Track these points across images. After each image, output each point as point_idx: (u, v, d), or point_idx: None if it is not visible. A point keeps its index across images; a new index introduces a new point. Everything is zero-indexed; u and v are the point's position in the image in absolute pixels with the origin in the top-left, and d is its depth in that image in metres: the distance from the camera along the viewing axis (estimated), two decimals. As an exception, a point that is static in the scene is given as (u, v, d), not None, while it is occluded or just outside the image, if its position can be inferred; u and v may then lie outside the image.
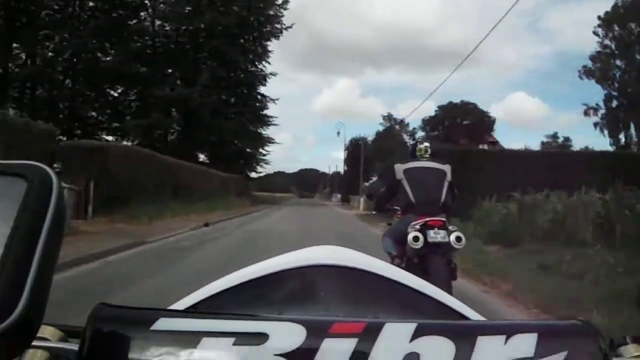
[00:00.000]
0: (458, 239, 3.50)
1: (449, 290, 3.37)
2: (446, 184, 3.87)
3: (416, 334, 0.43)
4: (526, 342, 0.43)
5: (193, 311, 0.60)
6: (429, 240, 3.48)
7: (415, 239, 3.48)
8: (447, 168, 3.97)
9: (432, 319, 0.53)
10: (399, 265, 3.72)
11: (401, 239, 3.72)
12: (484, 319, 0.64)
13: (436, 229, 3.52)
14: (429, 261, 3.49)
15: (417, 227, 3.55)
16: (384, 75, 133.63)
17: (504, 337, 0.44)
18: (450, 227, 3.59)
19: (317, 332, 0.44)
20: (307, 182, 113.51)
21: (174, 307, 0.64)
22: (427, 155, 4.04)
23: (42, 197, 0.39)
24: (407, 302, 0.66)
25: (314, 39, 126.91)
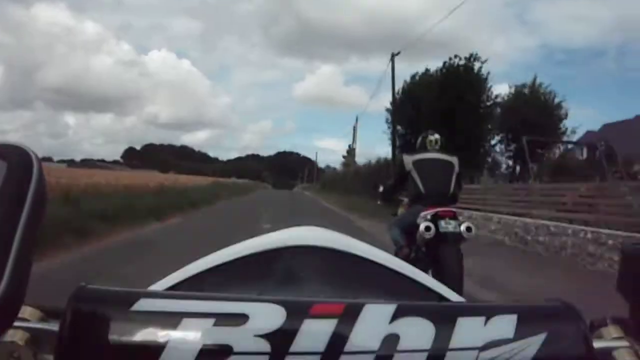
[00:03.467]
0: (468, 229, 3.66)
1: (460, 277, 3.54)
2: (454, 176, 4.01)
3: (396, 315, 0.44)
4: (506, 324, 0.44)
5: (173, 292, 0.60)
6: (441, 230, 3.62)
7: (427, 228, 3.62)
8: (454, 160, 4.11)
9: (412, 300, 0.52)
10: (407, 254, 3.87)
11: (410, 229, 3.86)
12: (464, 300, 0.66)
13: (447, 219, 3.67)
14: (441, 251, 3.63)
15: (429, 217, 3.69)
16: (369, 63, 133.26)
17: (483, 318, 0.44)
18: (460, 218, 3.75)
19: (297, 313, 0.44)
20: (285, 168, 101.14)
21: (154, 287, 0.65)
22: (437, 147, 4.17)
23: (23, 178, 0.39)
24: (387, 284, 0.67)
25: (299, 25, 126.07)
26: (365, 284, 0.66)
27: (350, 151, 44.37)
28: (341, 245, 0.70)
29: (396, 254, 3.87)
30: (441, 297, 0.67)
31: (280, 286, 0.65)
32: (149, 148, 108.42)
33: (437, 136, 4.22)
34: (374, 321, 0.44)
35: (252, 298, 0.47)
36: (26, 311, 0.46)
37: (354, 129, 32.12)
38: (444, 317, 0.45)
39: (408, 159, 4.10)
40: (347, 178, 32.38)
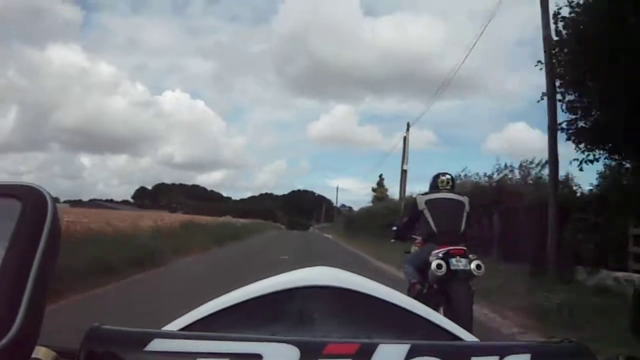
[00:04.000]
0: (478, 267, 3.80)
1: (470, 313, 3.66)
2: (465, 215, 4.18)
3: (410, 355, 0.44)
4: None
5: (187, 332, 0.60)
6: (452, 267, 3.77)
7: (439, 266, 3.78)
8: (465, 200, 4.29)
9: (425, 339, 0.53)
10: (420, 291, 4.01)
11: (422, 266, 4.02)
12: (476, 339, 0.66)
13: (458, 257, 3.82)
14: (452, 287, 3.77)
15: (440, 255, 3.85)
16: (384, 103, 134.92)
17: (497, 358, 0.44)
18: (470, 256, 3.90)
19: (311, 353, 0.44)
20: (300, 208, 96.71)
21: (168, 327, 0.66)
22: (449, 187, 4.37)
23: (37, 218, 0.40)
24: (400, 323, 0.66)
25: (313, 65, 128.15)
26: (379, 323, 0.66)
27: (381, 182, 40.71)
28: (353, 284, 0.71)
29: (408, 291, 4.02)
30: (454, 337, 0.66)
31: (294, 326, 0.65)
32: (161, 187, 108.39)
33: (448, 176, 4.43)
34: None
35: (266, 338, 0.47)
36: (40, 351, 0.47)
37: (404, 140, 22.60)
38: (457, 357, 0.45)
39: (421, 199, 4.29)
40: (377, 215, 24.08)
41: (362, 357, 0.44)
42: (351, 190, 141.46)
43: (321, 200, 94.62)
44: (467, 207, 4.24)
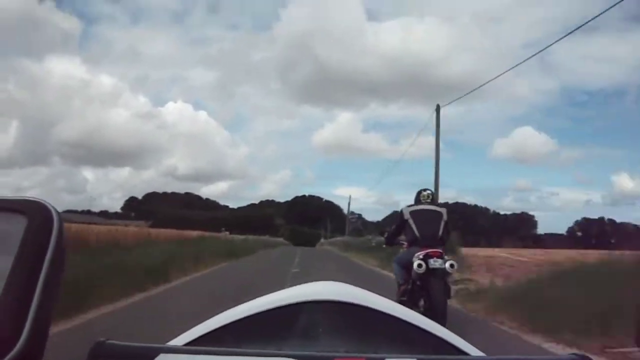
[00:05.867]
0: (452, 265, 4.69)
1: (444, 306, 4.54)
2: (443, 223, 5.07)
3: None
4: None
5: (192, 347, 0.61)
6: (430, 266, 4.65)
7: (419, 265, 4.66)
8: (443, 210, 5.20)
9: (431, 354, 0.56)
10: (405, 289, 4.91)
11: (407, 265, 4.91)
12: (482, 354, 0.68)
13: (435, 258, 4.70)
14: (430, 283, 4.65)
15: (421, 256, 4.73)
16: (388, 109, 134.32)
17: None
18: (445, 257, 4.78)
19: None
20: (305, 216, 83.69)
21: (174, 342, 0.67)
22: (429, 200, 5.27)
23: (43, 233, 0.41)
24: (405, 337, 0.68)
25: (317, 72, 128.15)
26: (384, 337, 0.66)
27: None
28: (359, 299, 0.71)
29: (398, 289, 4.96)
30: (460, 351, 0.67)
31: (300, 341, 0.66)
32: (151, 197, 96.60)
33: (429, 191, 5.37)
34: None
35: (272, 353, 0.50)
36: None
37: (437, 125, 20.66)
38: None
39: (406, 210, 5.19)
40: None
41: None
42: (357, 199, 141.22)
43: (329, 208, 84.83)
44: (445, 217, 5.13)
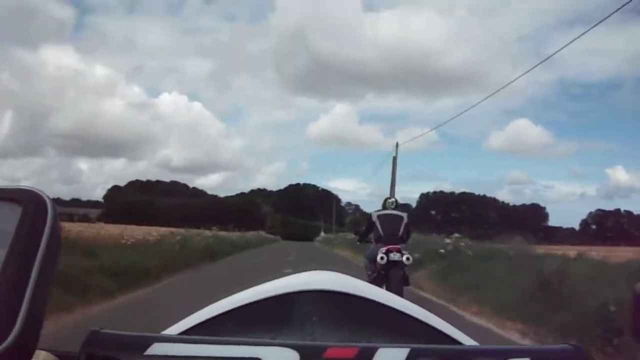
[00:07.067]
0: (408, 258, 6.03)
1: (401, 291, 5.87)
2: (403, 225, 6.41)
3: (409, 359, 0.45)
4: None
5: (187, 336, 0.60)
6: (390, 259, 5.98)
7: (382, 258, 5.99)
8: (404, 215, 6.54)
9: (424, 343, 0.54)
10: (371, 277, 6.25)
11: (374, 258, 6.24)
12: (476, 343, 0.68)
13: (395, 252, 6.04)
14: (390, 273, 5.98)
15: (384, 251, 6.05)
16: (385, 101, 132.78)
17: None
18: (403, 252, 6.10)
19: (311, 357, 0.46)
20: (300, 206, 79.58)
21: (167, 331, 0.68)
22: (393, 206, 6.62)
23: (37, 222, 0.40)
24: (399, 327, 0.68)
25: (313, 63, 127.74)
26: (378, 327, 0.68)
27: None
28: (353, 289, 0.72)
29: (367, 279, 6.31)
30: (454, 341, 0.69)
31: (294, 330, 0.67)
32: (134, 185, 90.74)
33: (393, 199, 6.77)
34: None
35: (266, 342, 0.49)
36: (40, 355, 0.47)
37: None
38: None
39: (374, 214, 6.54)
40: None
41: None
42: (352, 191, 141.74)
43: (326, 197, 78.69)
44: (405, 220, 6.47)
